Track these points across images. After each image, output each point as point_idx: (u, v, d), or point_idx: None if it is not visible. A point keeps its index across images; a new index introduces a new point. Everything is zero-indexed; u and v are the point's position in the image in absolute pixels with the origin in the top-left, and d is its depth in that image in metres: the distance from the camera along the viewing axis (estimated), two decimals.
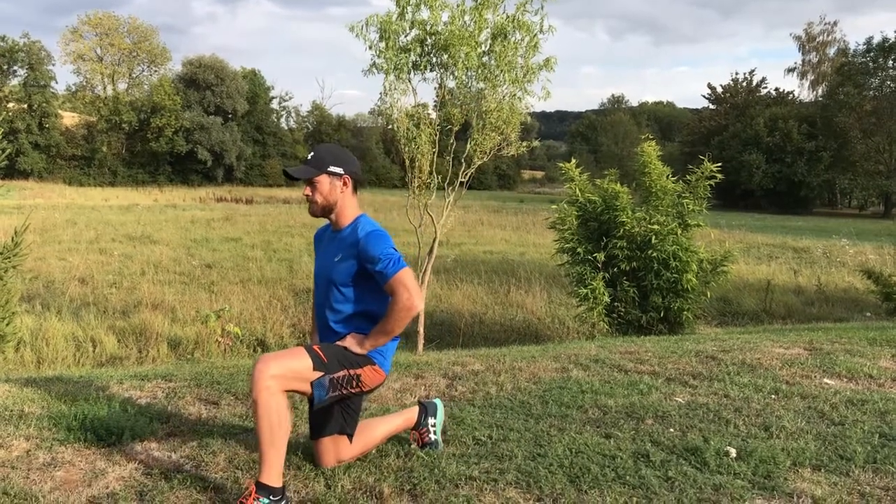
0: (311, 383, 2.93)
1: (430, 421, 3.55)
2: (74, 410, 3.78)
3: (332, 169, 3.12)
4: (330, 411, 3.15)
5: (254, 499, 2.75)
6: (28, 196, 38.40)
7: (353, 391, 3.09)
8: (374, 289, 3.09)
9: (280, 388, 2.83)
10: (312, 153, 3.16)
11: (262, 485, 2.79)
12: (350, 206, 3.20)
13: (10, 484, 2.93)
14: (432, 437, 3.52)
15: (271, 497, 2.77)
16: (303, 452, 3.37)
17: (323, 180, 3.12)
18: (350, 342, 3.07)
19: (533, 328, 11.61)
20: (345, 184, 3.16)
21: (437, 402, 3.65)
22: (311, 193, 3.14)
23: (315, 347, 3.02)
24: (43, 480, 3.02)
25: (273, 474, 2.82)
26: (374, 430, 3.39)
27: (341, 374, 3.02)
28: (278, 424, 2.81)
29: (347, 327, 3.15)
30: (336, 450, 3.22)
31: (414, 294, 2.96)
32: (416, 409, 3.59)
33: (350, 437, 3.23)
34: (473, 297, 13.51)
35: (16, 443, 3.41)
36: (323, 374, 2.96)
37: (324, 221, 3.36)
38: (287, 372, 2.85)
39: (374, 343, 3.06)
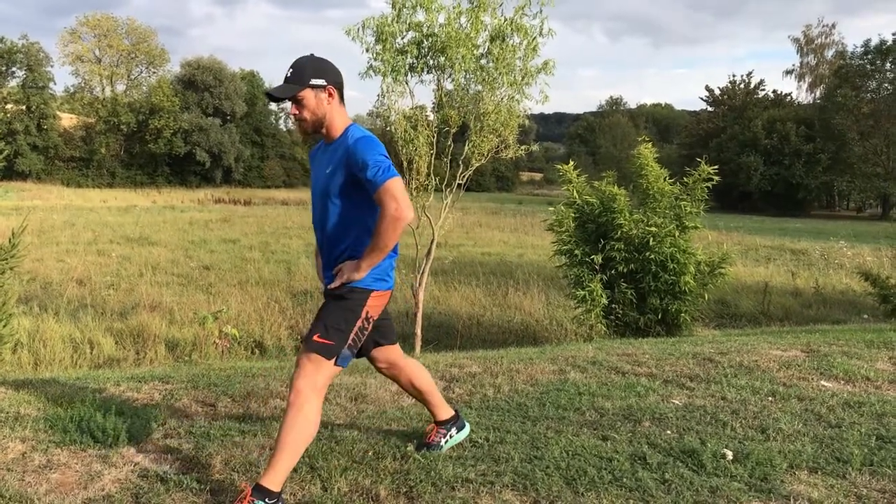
0: (337, 364, 3.00)
1: (453, 431, 3.56)
2: (71, 412, 3.77)
3: (314, 82, 2.98)
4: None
5: (248, 502, 2.74)
6: (26, 197, 38.38)
7: (369, 327, 3.09)
8: (367, 199, 2.95)
9: (321, 399, 2.95)
10: (291, 69, 3.00)
11: (261, 487, 2.78)
12: (339, 116, 3.08)
13: (5, 486, 2.93)
14: (442, 441, 3.51)
15: (267, 500, 2.76)
16: (304, 453, 3.36)
17: (307, 95, 2.98)
18: (347, 271, 2.98)
19: (531, 330, 11.61)
20: (330, 94, 3.02)
21: (468, 425, 3.68)
22: (298, 112, 3.02)
23: (317, 339, 2.95)
24: (38, 483, 3.02)
25: (278, 479, 2.82)
26: (425, 379, 3.51)
27: (353, 334, 3.02)
28: (308, 435, 2.89)
29: (345, 241, 3.05)
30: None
31: (402, 204, 2.83)
32: (453, 412, 3.61)
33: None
34: (471, 298, 13.50)
35: (11, 445, 3.40)
36: (339, 351, 2.98)
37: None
38: (326, 381, 2.98)
39: (370, 263, 2.95)
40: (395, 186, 2.85)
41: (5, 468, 3.13)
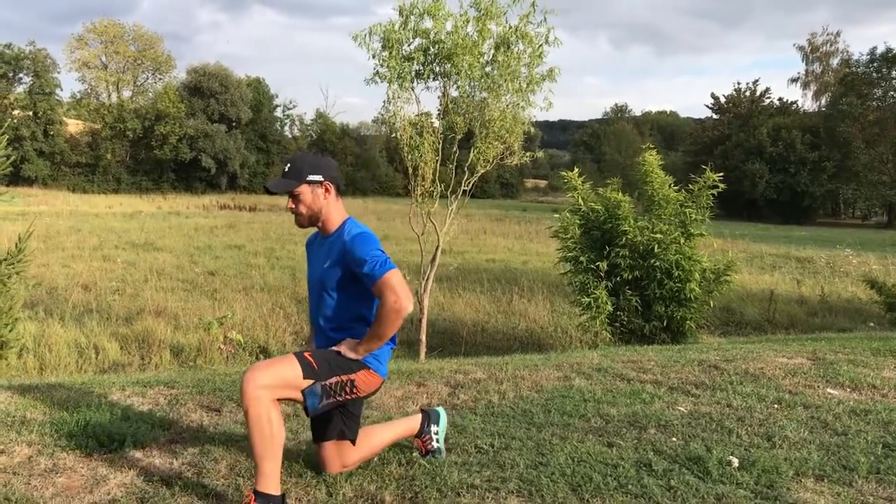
0: (303, 392, 2.92)
1: (433, 429, 3.54)
2: (76, 417, 3.78)
3: (311, 178, 3.08)
4: (330, 416, 3.14)
5: None
6: (32, 203, 38.49)
7: (348, 397, 3.06)
8: (365, 292, 3.05)
9: (271, 398, 2.82)
10: (289, 164, 3.12)
11: (260, 493, 2.79)
12: (335, 210, 3.17)
13: (11, 490, 2.94)
14: (435, 444, 3.51)
15: None
16: (304, 460, 3.37)
17: (304, 190, 3.09)
18: (344, 348, 3.06)
19: (535, 337, 11.60)
20: (326, 190, 3.12)
21: (441, 410, 3.64)
22: (294, 206, 3.11)
23: (306, 354, 2.98)
24: (44, 486, 3.02)
25: (270, 483, 2.81)
26: (377, 436, 3.38)
27: (333, 380, 2.99)
28: (270, 435, 2.80)
29: (342, 332, 3.13)
30: (340, 455, 3.21)
31: (402, 295, 2.90)
32: (420, 416, 3.57)
33: (353, 441, 3.21)
34: (476, 305, 13.50)
35: (18, 449, 3.41)
36: (314, 381, 2.93)
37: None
38: (277, 381, 2.85)
39: (367, 348, 3.03)
40: (394, 279, 2.92)
41: (11, 472, 3.14)
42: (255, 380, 2.79)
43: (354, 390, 3.07)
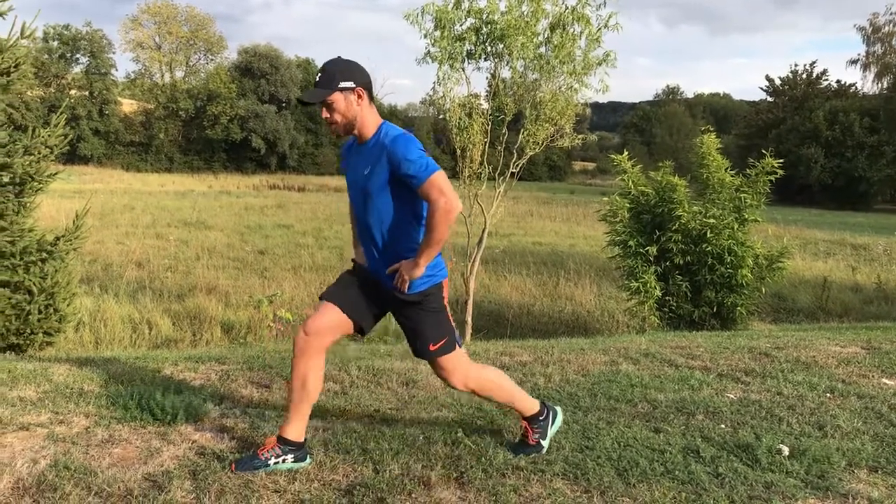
0: (459, 346, 3.26)
1: (289, 457, 3.13)
2: (131, 390, 3.87)
3: (342, 85, 3.00)
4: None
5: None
6: (88, 181, 39.44)
7: (448, 314, 3.26)
8: (408, 193, 3.00)
9: (469, 373, 3.26)
10: (320, 74, 3.04)
11: (526, 442, 3.35)
12: (370, 116, 3.09)
13: (70, 458, 3.03)
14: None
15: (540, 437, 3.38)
16: (355, 435, 3.41)
17: (337, 98, 3.00)
18: (406, 271, 3.02)
19: (582, 321, 11.54)
20: (359, 96, 3.04)
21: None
22: (329, 115, 3.04)
23: (433, 348, 3.15)
24: (101, 456, 3.11)
25: (530, 404, 3.43)
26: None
27: (448, 317, 3.22)
28: (499, 384, 3.35)
29: (391, 235, 3.09)
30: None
31: (450, 196, 2.88)
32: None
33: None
34: (522, 288, 13.47)
35: (76, 419, 3.51)
36: (453, 337, 3.22)
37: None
38: (459, 362, 3.23)
39: (427, 258, 3.00)
40: (441, 180, 2.91)
41: (70, 441, 3.23)
42: (463, 373, 3.23)
43: (446, 308, 3.26)
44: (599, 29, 9.24)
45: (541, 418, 3.39)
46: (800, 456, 3.36)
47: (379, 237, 3.11)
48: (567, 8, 9.19)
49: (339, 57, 3.08)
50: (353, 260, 3.35)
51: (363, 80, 3.06)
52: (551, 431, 3.44)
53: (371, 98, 3.11)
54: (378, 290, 3.18)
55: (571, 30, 9.22)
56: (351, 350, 5.52)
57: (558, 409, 3.58)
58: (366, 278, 3.22)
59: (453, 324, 3.24)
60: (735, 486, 3.03)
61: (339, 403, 3.96)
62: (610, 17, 9.23)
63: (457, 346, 3.23)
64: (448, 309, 3.25)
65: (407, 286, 3.04)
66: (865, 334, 6.60)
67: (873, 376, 4.90)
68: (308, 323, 3.10)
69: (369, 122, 3.09)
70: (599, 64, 9.45)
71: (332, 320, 3.12)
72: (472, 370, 3.27)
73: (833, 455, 3.37)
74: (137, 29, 60.98)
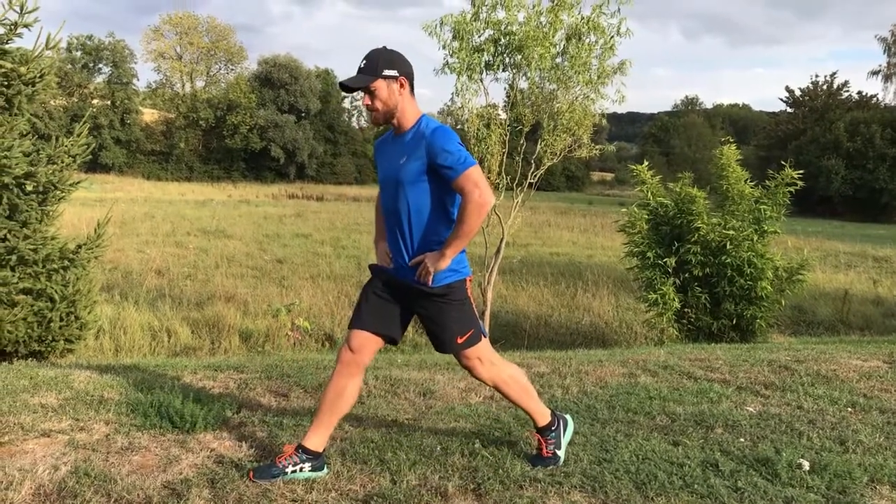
0: (485, 336, 3.31)
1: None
2: (151, 398, 3.90)
3: (386, 73, 3.01)
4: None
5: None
6: (109, 189, 39.81)
7: (473, 308, 3.28)
8: (441, 187, 3.03)
9: (495, 368, 3.29)
10: (365, 60, 3.05)
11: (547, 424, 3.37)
12: (410, 106, 3.10)
13: (91, 465, 3.05)
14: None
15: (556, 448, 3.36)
16: (372, 445, 3.41)
17: (380, 85, 3.01)
18: (431, 262, 3.03)
19: (599, 332, 11.49)
20: (401, 86, 3.05)
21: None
22: (370, 102, 3.05)
23: (459, 341, 3.16)
24: (121, 464, 3.13)
25: (543, 413, 3.43)
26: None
27: (473, 310, 3.25)
28: (521, 385, 3.36)
29: (419, 226, 3.09)
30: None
31: (485, 190, 2.91)
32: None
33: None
34: (539, 298, 13.43)
35: (96, 426, 3.54)
36: (479, 329, 3.25)
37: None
38: (487, 354, 3.28)
39: (454, 250, 3.02)
40: (477, 174, 2.94)
41: (91, 448, 3.26)
42: (488, 365, 3.26)
43: (470, 299, 3.28)
44: (612, 37, 9.25)
45: (552, 429, 3.38)
46: (821, 471, 3.32)
47: (406, 227, 3.11)
48: (582, 18, 9.21)
49: (384, 46, 3.10)
50: (370, 267, 3.35)
51: (406, 70, 3.08)
52: (565, 441, 3.42)
53: (412, 89, 3.13)
54: (400, 292, 3.18)
55: (587, 40, 9.24)
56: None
57: (568, 417, 3.56)
58: (386, 283, 3.22)
59: (476, 317, 3.25)
60: (755, 501, 3.01)
61: (357, 413, 3.97)
62: (620, 23, 9.24)
63: (482, 336, 3.24)
64: (472, 300, 3.26)
65: (431, 279, 3.05)
66: (887, 348, 6.53)
67: (895, 391, 4.84)
68: (352, 340, 3.16)
69: (409, 113, 3.11)
70: (615, 72, 9.46)
71: (370, 340, 3.19)
72: (497, 361, 3.30)
73: (855, 470, 3.33)
74: (159, 39, 61.76)
